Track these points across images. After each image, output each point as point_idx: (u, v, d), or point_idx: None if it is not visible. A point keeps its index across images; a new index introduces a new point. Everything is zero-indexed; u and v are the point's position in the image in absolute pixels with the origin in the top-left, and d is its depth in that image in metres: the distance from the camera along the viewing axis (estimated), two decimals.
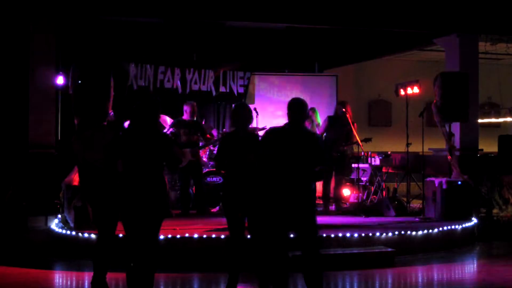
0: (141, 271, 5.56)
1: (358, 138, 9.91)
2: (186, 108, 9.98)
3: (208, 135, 10.13)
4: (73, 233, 7.91)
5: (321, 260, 5.72)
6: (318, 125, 10.53)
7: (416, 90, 10.22)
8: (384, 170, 10.92)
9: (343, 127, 10.07)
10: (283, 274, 5.71)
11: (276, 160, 5.59)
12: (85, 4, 9.39)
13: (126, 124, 7.61)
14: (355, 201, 10.27)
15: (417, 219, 9.48)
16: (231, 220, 6.07)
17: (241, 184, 5.97)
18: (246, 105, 6.36)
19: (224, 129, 12.36)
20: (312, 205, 5.75)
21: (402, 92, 10.44)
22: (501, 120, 16.26)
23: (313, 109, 10.65)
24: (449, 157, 9.90)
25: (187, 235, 7.55)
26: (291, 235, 6.13)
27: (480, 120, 11.96)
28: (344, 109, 10.03)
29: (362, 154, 10.71)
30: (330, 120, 10.23)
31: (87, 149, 5.98)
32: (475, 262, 8.36)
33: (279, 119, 12.53)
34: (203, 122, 10.58)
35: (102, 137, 5.92)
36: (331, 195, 10.26)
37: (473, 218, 9.39)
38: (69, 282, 7.00)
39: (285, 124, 5.81)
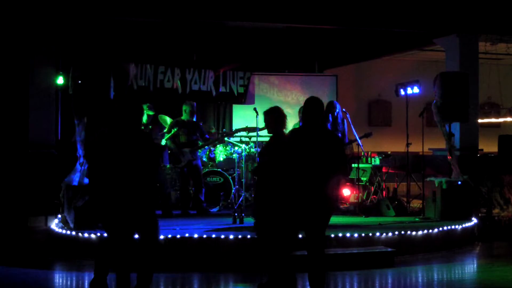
0: (138, 272, 5.60)
1: (356, 137, 9.92)
2: (186, 108, 9.98)
3: (207, 136, 10.12)
4: (73, 233, 7.90)
5: (326, 261, 5.75)
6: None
7: (416, 90, 10.22)
8: (384, 170, 10.92)
9: (336, 126, 10.05)
10: (292, 274, 5.73)
11: (297, 160, 5.57)
12: (86, 6, 9.40)
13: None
14: (355, 201, 10.26)
15: (417, 219, 9.48)
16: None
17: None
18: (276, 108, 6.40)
19: (223, 129, 12.37)
20: (331, 205, 5.75)
21: (402, 92, 10.44)
22: (501, 120, 16.26)
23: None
24: (449, 157, 9.90)
25: (187, 235, 7.55)
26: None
27: (480, 120, 11.96)
28: (337, 110, 10.02)
29: (363, 154, 10.70)
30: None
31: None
32: (475, 262, 8.36)
33: None
34: (201, 124, 10.58)
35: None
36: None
37: (473, 218, 9.38)
38: (69, 282, 6.99)
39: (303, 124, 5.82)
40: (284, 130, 6.32)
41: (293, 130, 6.12)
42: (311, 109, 5.70)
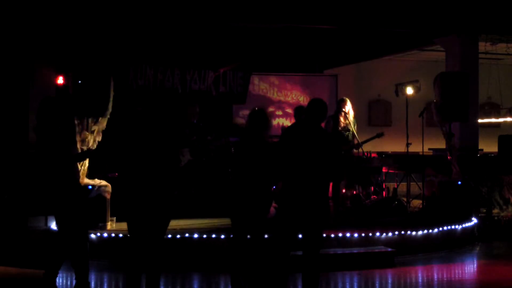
0: (147, 272, 5.56)
1: (358, 139, 9.90)
2: (188, 109, 9.98)
3: (209, 137, 10.12)
4: None
5: (320, 262, 5.72)
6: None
7: (416, 90, 10.21)
8: (384, 170, 10.91)
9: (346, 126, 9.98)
10: (285, 275, 5.71)
11: (295, 159, 5.53)
12: (86, 7, 9.39)
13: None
14: (355, 201, 10.24)
15: (417, 219, 9.47)
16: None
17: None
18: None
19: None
20: (328, 206, 5.75)
21: (401, 93, 10.44)
22: (501, 120, 16.26)
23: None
24: (449, 157, 9.90)
25: (187, 235, 7.54)
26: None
27: (480, 120, 11.95)
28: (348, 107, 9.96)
29: (363, 154, 10.69)
30: (334, 120, 10.02)
31: None
32: (475, 262, 8.36)
33: (279, 119, 12.55)
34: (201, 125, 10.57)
35: None
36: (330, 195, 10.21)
37: (473, 218, 9.39)
38: (69, 282, 6.99)
39: (300, 122, 5.75)
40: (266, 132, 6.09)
41: (288, 128, 6.00)
42: (315, 110, 5.64)
